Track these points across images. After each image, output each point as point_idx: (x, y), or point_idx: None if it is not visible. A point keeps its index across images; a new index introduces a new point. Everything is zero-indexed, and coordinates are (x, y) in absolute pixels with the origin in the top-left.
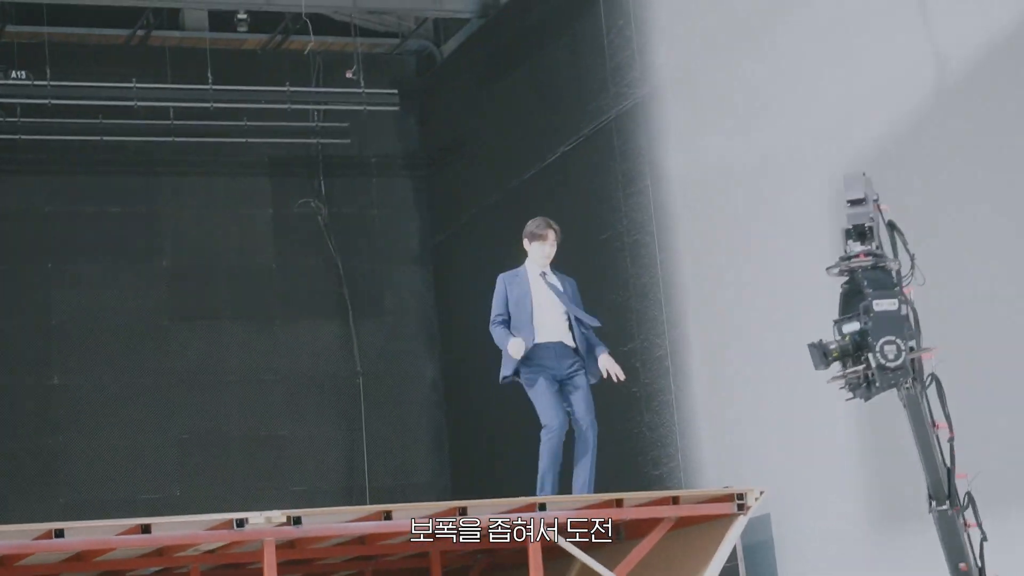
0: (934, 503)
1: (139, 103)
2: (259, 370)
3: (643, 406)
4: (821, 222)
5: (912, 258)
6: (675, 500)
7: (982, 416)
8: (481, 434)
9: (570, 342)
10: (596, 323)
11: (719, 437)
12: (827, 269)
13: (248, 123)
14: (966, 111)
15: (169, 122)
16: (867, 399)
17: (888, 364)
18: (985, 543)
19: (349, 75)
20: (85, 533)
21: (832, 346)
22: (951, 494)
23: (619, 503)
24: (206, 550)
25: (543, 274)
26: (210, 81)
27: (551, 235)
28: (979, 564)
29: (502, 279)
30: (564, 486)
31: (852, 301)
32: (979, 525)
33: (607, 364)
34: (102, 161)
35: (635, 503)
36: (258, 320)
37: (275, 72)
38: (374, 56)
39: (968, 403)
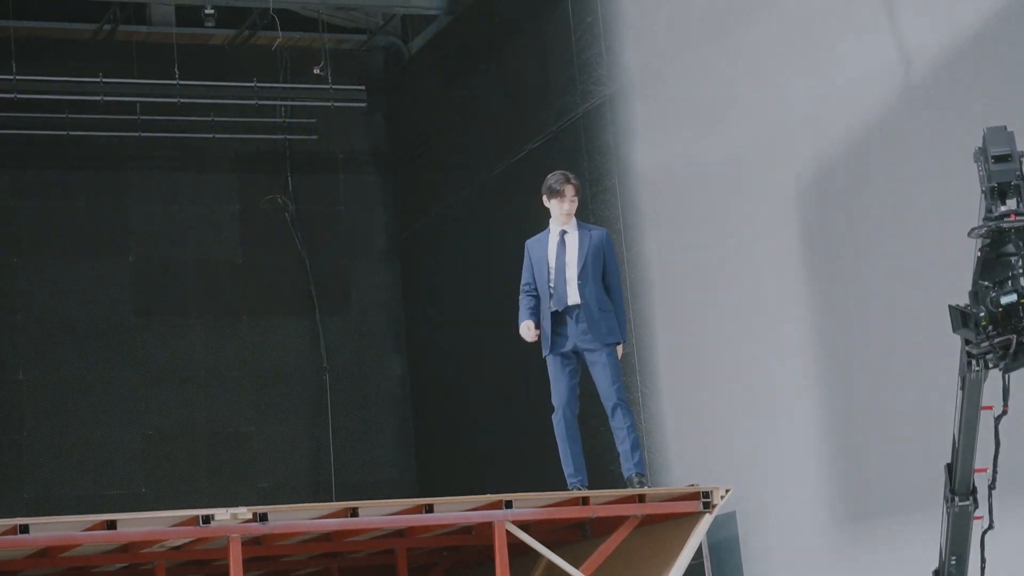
0: (956, 499)
1: (105, 98)
2: (225, 366)
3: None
4: (789, 220)
5: None
6: (641, 498)
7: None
8: (448, 431)
9: (594, 306)
10: (614, 286)
11: (686, 436)
12: (971, 231)
13: (215, 119)
14: (932, 109)
15: (136, 117)
16: (1009, 371)
17: None
18: (990, 531)
19: (317, 71)
20: (50, 529)
21: (982, 314)
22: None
23: (585, 501)
24: (172, 546)
25: (563, 232)
26: (177, 76)
27: (569, 191)
28: (982, 554)
29: (527, 245)
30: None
31: (996, 266)
32: (990, 515)
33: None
34: (68, 156)
35: (601, 501)
36: (224, 316)
37: (242, 68)
38: (341, 52)
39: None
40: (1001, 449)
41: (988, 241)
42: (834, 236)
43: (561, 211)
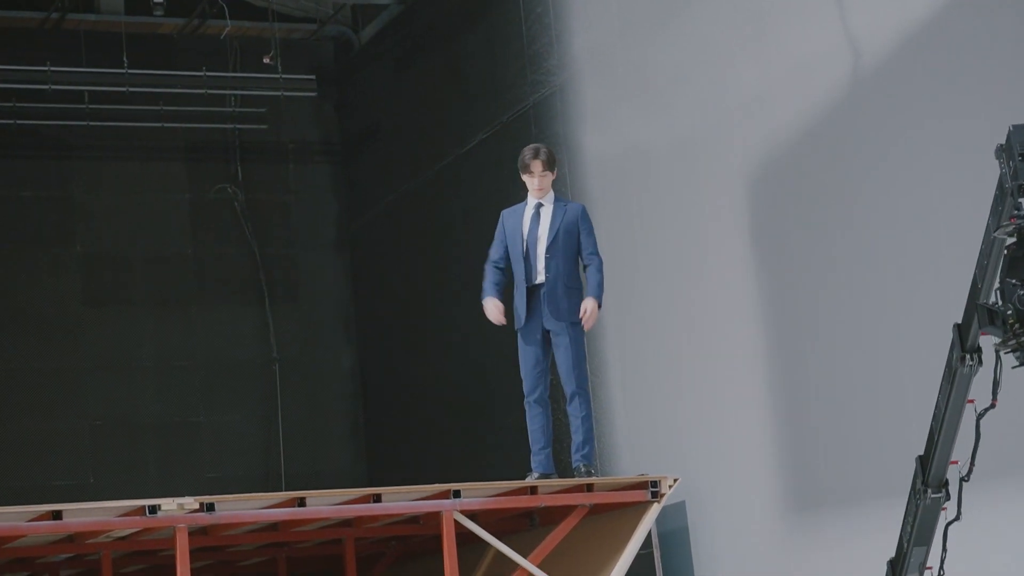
0: (929, 491)
1: (53, 87)
2: (174, 356)
3: (558, 394)
4: (739, 206)
5: None
6: (589, 487)
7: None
8: (397, 422)
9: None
10: (591, 261)
11: (635, 426)
12: (996, 230)
13: (164, 108)
14: (882, 96)
15: (84, 106)
16: None
17: None
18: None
19: (266, 60)
20: None
21: (1009, 312)
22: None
23: (533, 490)
24: (118, 537)
25: (539, 206)
26: (126, 65)
27: (537, 166)
28: (944, 544)
29: (502, 215)
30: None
31: (1022, 263)
32: (959, 507)
33: (588, 306)
34: (15, 145)
35: (549, 490)
36: (174, 306)
37: (191, 57)
38: (291, 41)
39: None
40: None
41: (1016, 239)
42: (784, 223)
43: (532, 187)
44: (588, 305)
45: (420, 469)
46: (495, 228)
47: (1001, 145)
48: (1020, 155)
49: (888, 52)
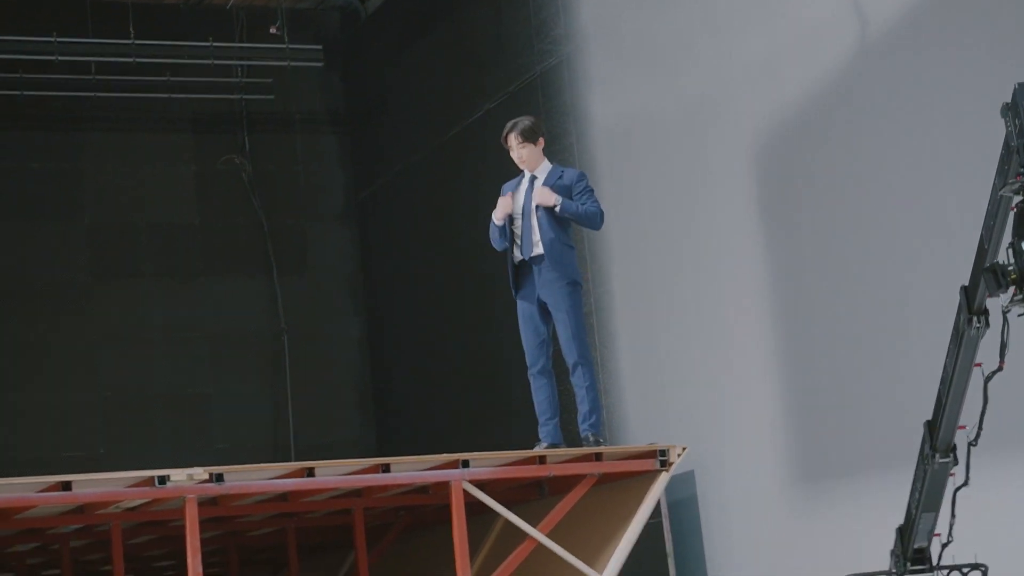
0: (937, 456)
1: (60, 58)
2: (183, 328)
3: (564, 364)
4: (747, 175)
5: None
6: (598, 456)
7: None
8: (406, 391)
9: (556, 252)
10: (570, 208)
11: (644, 395)
12: (1002, 188)
13: (171, 79)
14: (890, 62)
15: (91, 77)
16: None
17: None
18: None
19: (273, 31)
20: (4, 490)
21: (1009, 268)
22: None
23: (542, 460)
24: (128, 507)
25: (533, 178)
26: (132, 36)
27: (513, 140)
28: (952, 510)
29: (503, 188)
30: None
31: None
32: (967, 472)
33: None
34: (22, 116)
35: (558, 460)
36: (182, 277)
37: (198, 27)
38: (298, 12)
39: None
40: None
41: (1022, 197)
42: (792, 190)
43: (516, 160)
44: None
45: (429, 439)
46: (494, 198)
47: (1007, 103)
48: None
49: (895, 18)
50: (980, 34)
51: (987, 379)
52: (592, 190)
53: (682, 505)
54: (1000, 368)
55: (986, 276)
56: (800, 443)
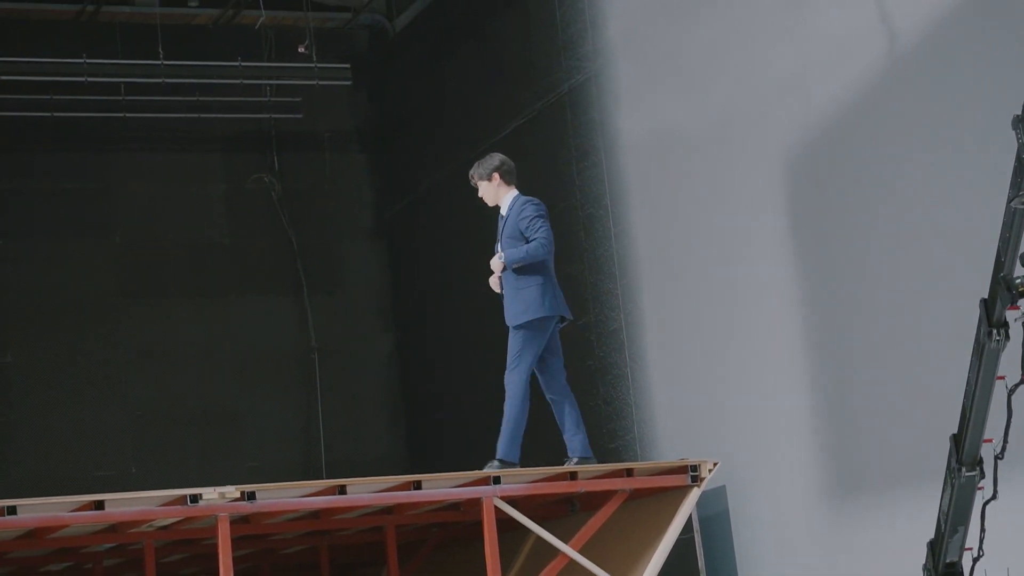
0: (963, 469)
1: (89, 79)
2: (213, 346)
3: (598, 379)
4: (777, 188)
5: None
6: (629, 472)
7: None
8: (438, 408)
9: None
10: (515, 257)
11: (675, 410)
12: (1011, 201)
13: (200, 99)
14: (920, 77)
15: (120, 98)
16: None
17: None
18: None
19: (301, 50)
20: (38, 510)
21: (1017, 281)
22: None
23: (573, 476)
24: (160, 526)
25: (500, 216)
26: (161, 56)
27: (473, 180)
28: (982, 524)
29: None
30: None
31: None
32: (995, 486)
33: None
34: (53, 138)
35: (589, 476)
36: (212, 296)
37: (227, 47)
38: (326, 31)
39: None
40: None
41: None
42: (823, 203)
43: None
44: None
45: (460, 456)
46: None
47: (1018, 116)
48: None
49: (923, 30)
50: (1009, 47)
51: (1010, 392)
52: (540, 217)
53: (714, 520)
54: (1023, 381)
55: (998, 289)
56: (833, 457)
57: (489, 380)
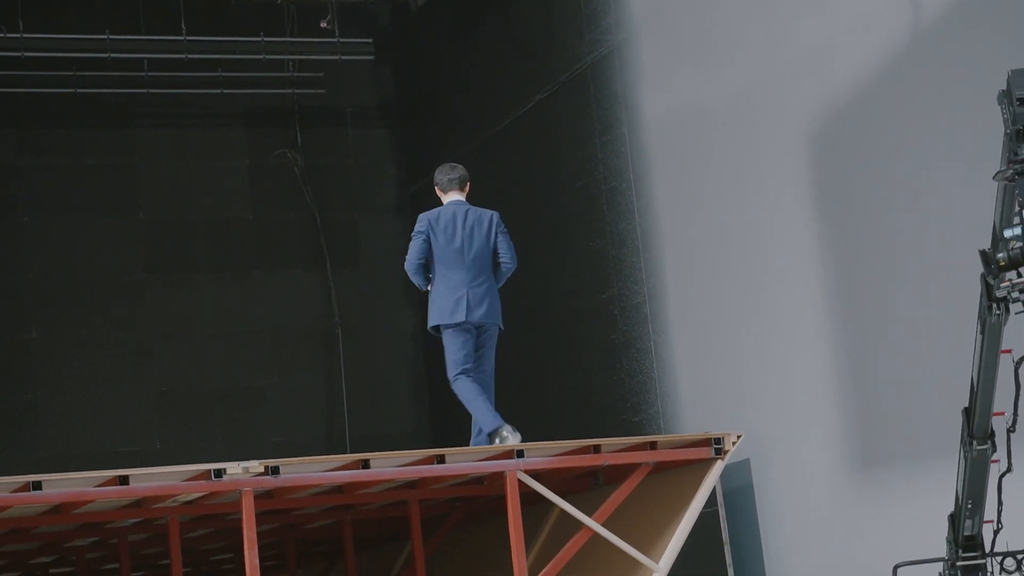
0: (975, 443)
1: (113, 55)
2: (237, 322)
3: (621, 353)
4: (800, 162)
5: None
6: (652, 445)
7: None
8: None
9: None
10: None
11: (698, 383)
12: (995, 175)
13: (223, 74)
14: (942, 50)
15: (143, 74)
16: None
17: None
18: (1008, 475)
19: (324, 25)
20: (63, 485)
21: (999, 255)
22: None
23: (597, 449)
24: (184, 501)
25: None
26: (184, 32)
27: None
28: (999, 497)
29: None
30: None
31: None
32: (1009, 458)
33: None
34: (76, 114)
35: (613, 449)
36: (235, 272)
37: (249, 22)
38: (348, 5)
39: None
40: (1021, 392)
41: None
42: (845, 178)
43: None
44: None
45: None
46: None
47: (1003, 91)
48: (1018, 99)
49: (947, 3)
50: None
51: (1017, 365)
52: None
53: (738, 493)
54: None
55: (983, 257)
56: (856, 429)
57: (511, 354)
